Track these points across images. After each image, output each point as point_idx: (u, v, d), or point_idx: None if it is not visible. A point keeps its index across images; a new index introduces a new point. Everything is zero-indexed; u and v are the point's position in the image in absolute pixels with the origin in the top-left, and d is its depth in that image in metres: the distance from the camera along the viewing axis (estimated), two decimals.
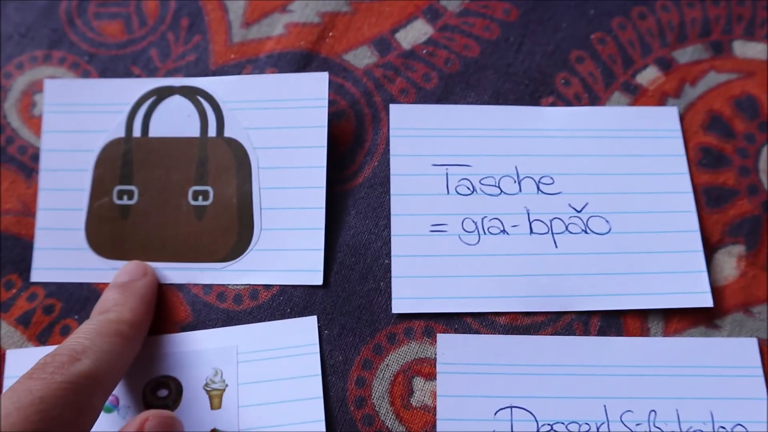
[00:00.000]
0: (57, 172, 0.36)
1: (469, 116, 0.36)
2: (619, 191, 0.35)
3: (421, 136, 0.36)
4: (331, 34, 0.38)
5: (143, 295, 0.32)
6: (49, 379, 0.25)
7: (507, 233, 0.34)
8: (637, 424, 0.32)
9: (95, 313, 0.31)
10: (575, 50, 0.38)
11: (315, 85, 0.36)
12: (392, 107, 0.36)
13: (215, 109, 0.36)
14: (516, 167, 0.35)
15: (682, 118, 0.36)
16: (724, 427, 0.31)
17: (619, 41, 0.38)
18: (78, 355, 0.27)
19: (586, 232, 0.34)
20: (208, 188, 0.35)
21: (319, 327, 0.33)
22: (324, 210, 0.35)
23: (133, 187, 0.36)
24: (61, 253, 0.35)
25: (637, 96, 0.37)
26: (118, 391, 0.32)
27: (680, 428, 0.31)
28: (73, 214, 0.35)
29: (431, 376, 0.32)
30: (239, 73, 0.38)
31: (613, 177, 0.35)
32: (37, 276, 0.35)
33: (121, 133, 0.36)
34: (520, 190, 0.35)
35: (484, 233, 0.34)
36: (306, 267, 0.34)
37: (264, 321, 0.33)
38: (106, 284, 0.34)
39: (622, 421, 0.32)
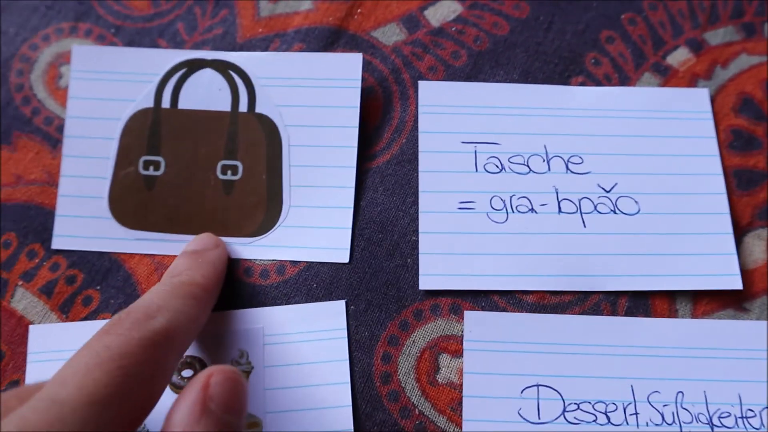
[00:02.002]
0: (82, 139, 0.36)
1: (499, 94, 0.36)
2: (648, 172, 0.35)
3: (450, 114, 0.36)
4: (359, 10, 0.38)
5: (215, 263, 0.32)
6: (127, 335, 0.25)
7: (535, 212, 0.34)
8: (665, 405, 0.31)
9: (166, 277, 0.31)
10: (605, 30, 0.37)
11: (349, 65, 0.36)
12: (421, 84, 0.36)
13: (247, 85, 0.36)
14: (545, 146, 0.35)
15: (712, 101, 0.36)
16: (752, 410, 0.31)
17: (649, 22, 0.37)
18: (153, 313, 0.26)
19: (615, 213, 0.34)
20: (238, 163, 0.35)
21: (346, 302, 0.33)
22: (353, 189, 0.34)
23: (159, 158, 0.35)
24: (83, 221, 0.35)
25: (668, 77, 0.36)
26: None
27: (708, 410, 0.31)
28: (96, 182, 0.35)
29: (457, 353, 0.32)
30: (267, 48, 0.37)
31: (643, 158, 0.35)
32: (58, 243, 0.34)
33: (150, 104, 0.36)
34: (549, 169, 0.35)
35: (513, 211, 0.34)
36: (333, 245, 0.34)
37: (290, 296, 0.33)
38: (127, 254, 0.34)
39: (650, 402, 0.31)
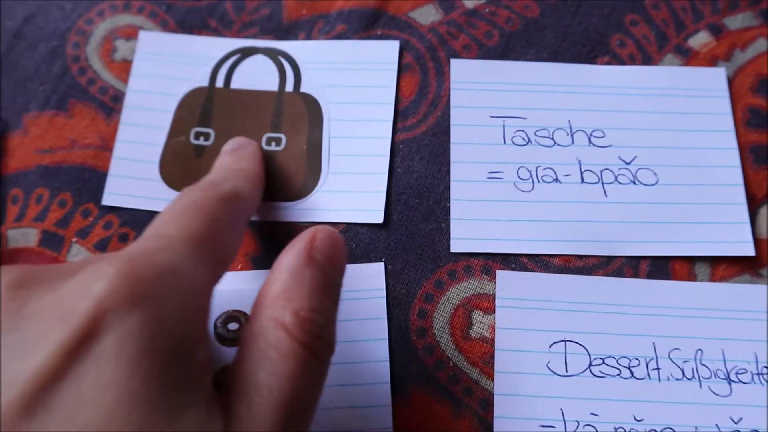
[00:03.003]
0: (140, 110, 0.38)
1: (526, 72, 0.38)
2: (667, 146, 0.37)
3: (481, 90, 0.38)
4: None
5: (255, 154, 0.35)
6: (204, 193, 0.28)
7: (559, 182, 0.36)
8: (684, 361, 0.33)
9: (216, 169, 0.33)
10: (630, 14, 0.40)
11: (387, 51, 0.39)
12: (453, 62, 0.38)
13: (294, 68, 0.39)
14: (569, 121, 0.37)
15: (731, 81, 0.38)
16: (767, 367, 0.33)
17: (671, 7, 0.40)
18: (217, 183, 0.29)
19: (634, 183, 0.36)
20: (281, 135, 0.37)
21: (383, 261, 0.35)
22: (388, 158, 0.37)
23: (210, 130, 0.38)
24: (133, 182, 0.37)
25: (689, 58, 0.39)
26: None
27: (725, 366, 0.33)
28: (150, 147, 0.38)
29: (489, 310, 0.34)
30: (311, 29, 0.40)
31: (662, 132, 0.37)
32: (108, 200, 0.37)
33: (205, 83, 0.39)
34: (573, 142, 0.37)
35: (538, 181, 0.36)
36: (369, 207, 0.36)
37: None
38: None
39: (670, 358, 0.33)
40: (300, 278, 0.25)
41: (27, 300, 0.21)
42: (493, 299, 0.34)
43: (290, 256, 0.26)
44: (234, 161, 0.34)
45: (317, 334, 0.24)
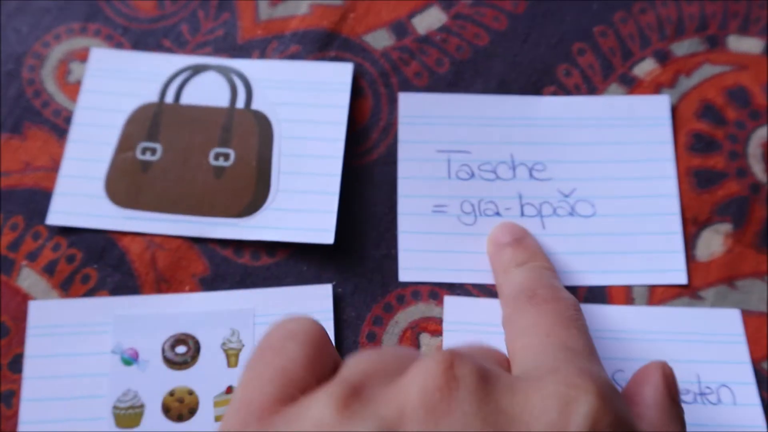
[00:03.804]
0: (88, 126, 0.38)
1: (472, 105, 0.39)
2: (605, 177, 0.38)
3: (428, 124, 0.39)
4: (352, 15, 0.41)
5: (548, 265, 0.34)
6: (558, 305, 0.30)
7: (500, 215, 0.37)
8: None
9: (506, 265, 0.34)
10: (578, 42, 0.40)
11: (341, 72, 0.39)
12: (401, 95, 0.39)
13: (246, 85, 0.39)
14: (512, 155, 0.38)
15: (676, 107, 0.39)
16: (709, 387, 0.34)
17: (619, 34, 0.41)
18: (555, 290, 0.31)
19: (572, 215, 0.37)
20: (230, 150, 0.38)
21: (333, 285, 0.35)
22: (339, 177, 0.37)
23: (157, 145, 0.38)
24: (79, 199, 0.37)
25: (633, 87, 0.39)
26: (138, 346, 0.34)
27: None
28: (96, 164, 0.38)
29: (436, 332, 0.35)
30: (265, 49, 0.40)
31: (601, 164, 0.38)
32: (52, 219, 0.36)
33: (155, 99, 0.39)
34: (514, 176, 0.38)
35: (480, 214, 0.37)
36: (318, 227, 0.36)
37: (281, 277, 0.36)
38: (121, 233, 0.36)
39: (614, 380, 0.34)
40: (671, 416, 0.26)
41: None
42: (440, 322, 0.35)
43: (651, 392, 0.27)
44: (529, 257, 0.34)
45: None
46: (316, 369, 0.22)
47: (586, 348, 0.26)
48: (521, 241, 0.35)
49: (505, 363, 0.26)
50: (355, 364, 0.22)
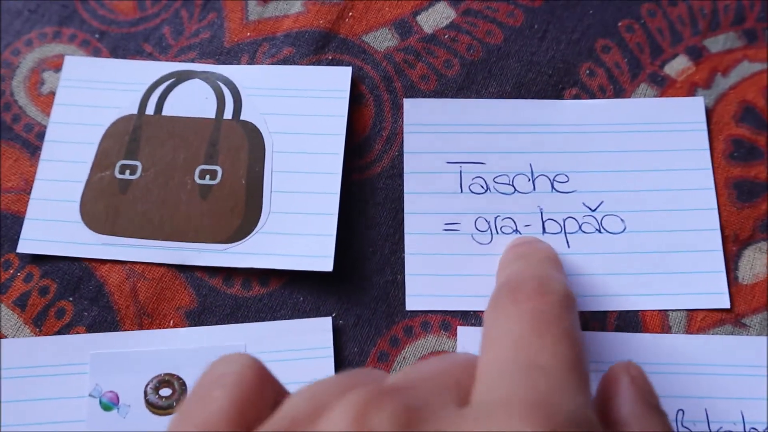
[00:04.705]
0: (62, 143, 0.35)
1: (485, 110, 0.35)
2: (636, 189, 0.34)
3: (436, 132, 0.35)
4: (350, 14, 0.37)
5: (552, 254, 0.30)
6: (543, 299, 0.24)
7: (519, 233, 0.33)
8: None
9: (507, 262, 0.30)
10: (601, 39, 0.36)
11: (338, 77, 0.36)
12: (406, 102, 0.35)
13: (234, 94, 0.35)
14: (530, 165, 0.34)
15: (712, 110, 0.35)
16: (755, 428, 0.30)
17: (647, 29, 0.37)
18: (546, 282, 0.25)
19: (600, 232, 0.33)
20: (217, 168, 0.34)
21: (333, 317, 0.32)
22: (338, 196, 0.33)
23: (136, 162, 0.34)
24: (52, 225, 0.34)
25: (665, 87, 0.36)
26: (118, 389, 0.31)
27: (709, 428, 0.30)
28: (71, 185, 0.34)
29: None
30: (255, 52, 0.36)
31: (631, 174, 0.34)
32: (24, 247, 0.33)
33: (134, 110, 0.35)
34: (534, 189, 0.34)
35: (497, 232, 0.33)
36: (315, 252, 0.32)
37: (275, 309, 0.32)
38: (98, 262, 0.33)
39: None
40: (651, 426, 0.22)
41: None
42: None
43: (627, 405, 0.23)
44: (545, 275, 0.28)
45: None
46: (246, 416, 0.20)
47: (561, 365, 0.20)
48: (530, 240, 0.32)
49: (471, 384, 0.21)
50: (290, 405, 0.20)
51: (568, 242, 0.33)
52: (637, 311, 0.32)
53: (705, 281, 0.32)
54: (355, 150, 0.35)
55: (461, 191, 0.34)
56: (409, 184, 0.34)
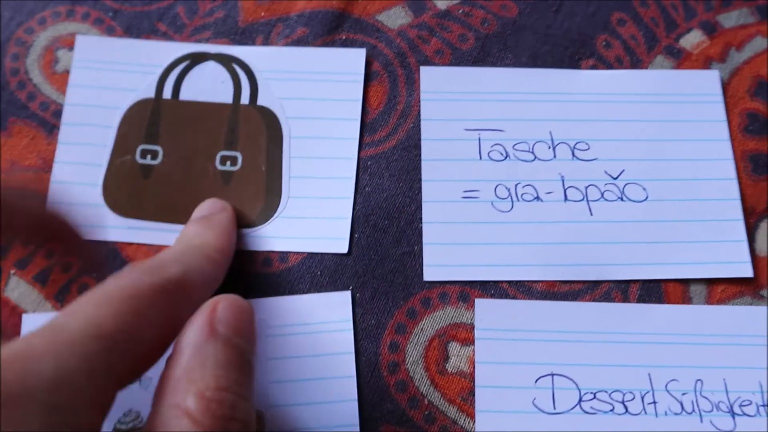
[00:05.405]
0: (79, 126, 0.35)
1: (503, 79, 0.35)
2: (657, 158, 0.34)
3: (454, 100, 0.35)
4: None
5: (225, 226, 0.31)
6: (139, 278, 0.24)
7: (541, 200, 0.33)
8: (683, 394, 0.30)
9: (178, 241, 0.30)
10: (616, 12, 0.37)
11: (352, 60, 0.36)
12: (423, 69, 0.35)
13: (250, 78, 0.35)
14: (551, 132, 0.34)
15: (727, 84, 0.35)
16: None
17: (661, 4, 0.37)
18: (167, 265, 0.25)
19: (622, 200, 0.33)
20: (237, 154, 0.34)
21: (350, 289, 0.32)
22: (354, 180, 0.34)
23: (157, 148, 0.34)
24: (74, 208, 0.34)
25: (681, 60, 0.36)
26: None
27: (728, 398, 0.30)
28: (91, 169, 0.34)
29: (467, 341, 0.31)
30: (269, 32, 0.36)
31: (651, 143, 0.34)
32: None
33: (151, 94, 0.35)
34: (555, 156, 0.34)
35: (518, 200, 0.33)
36: (332, 235, 0.33)
37: (294, 283, 0.32)
38: (121, 243, 0.33)
39: (668, 391, 0.30)
40: (203, 355, 0.22)
41: None
42: (472, 329, 0.31)
43: (190, 332, 0.23)
44: (197, 234, 0.30)
45: (228, 416, 0.21)
46: None
47: (89, 332, 0.21)
48: (207, 219, 0.31)
49: None
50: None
51: (591, 210, 0.33)
52: (660, 282, 0.32)
53: (727, 250, 0.32)
54: (372, 125, 0.35)
55: (480, 158, 0.34)
56: (427, 151, 0.34)
